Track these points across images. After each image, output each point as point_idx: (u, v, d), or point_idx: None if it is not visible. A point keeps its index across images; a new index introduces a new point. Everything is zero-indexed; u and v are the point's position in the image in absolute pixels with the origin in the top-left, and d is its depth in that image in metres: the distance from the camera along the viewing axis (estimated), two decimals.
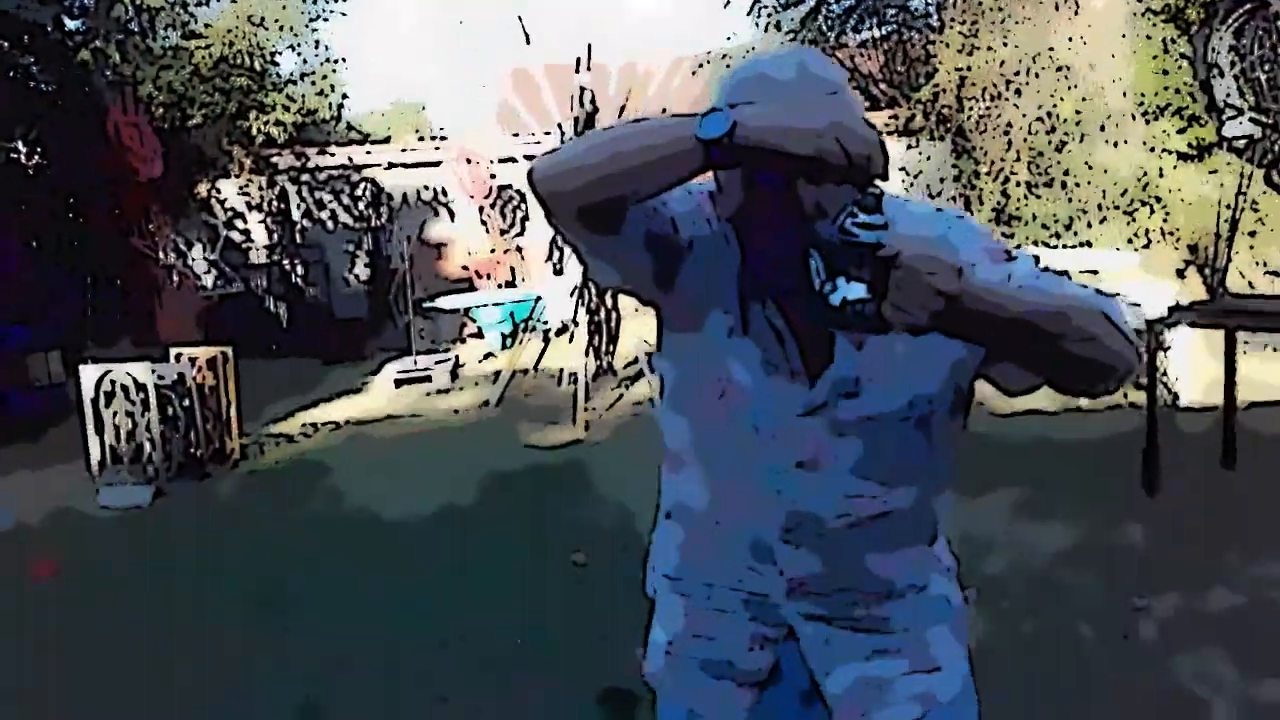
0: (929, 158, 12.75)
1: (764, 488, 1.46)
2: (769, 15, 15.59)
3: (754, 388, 1.43)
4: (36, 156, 9.39)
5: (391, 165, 14.06)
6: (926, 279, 1.10)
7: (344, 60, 17.99)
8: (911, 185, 12.63)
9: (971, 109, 12.08)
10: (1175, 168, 11.55)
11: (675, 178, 1.28)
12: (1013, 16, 11.72)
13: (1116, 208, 11.51)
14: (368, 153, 14.50)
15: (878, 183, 1.19)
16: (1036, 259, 1.42)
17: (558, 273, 9.92)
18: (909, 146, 12.81)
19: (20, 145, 9.26)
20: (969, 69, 11.94)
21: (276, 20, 13.95)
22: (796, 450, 1.44)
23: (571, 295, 9.36)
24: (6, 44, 8.78)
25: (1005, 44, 11.69)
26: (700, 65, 15.75)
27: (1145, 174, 11.46)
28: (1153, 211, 11.52)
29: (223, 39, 13.37)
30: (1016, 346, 1.26)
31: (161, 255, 12.85)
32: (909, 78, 14.01)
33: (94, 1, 9.35)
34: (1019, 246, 8.52)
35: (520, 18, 9.90)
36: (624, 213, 1.33)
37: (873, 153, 1.18)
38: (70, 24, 9.39)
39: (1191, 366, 6.98)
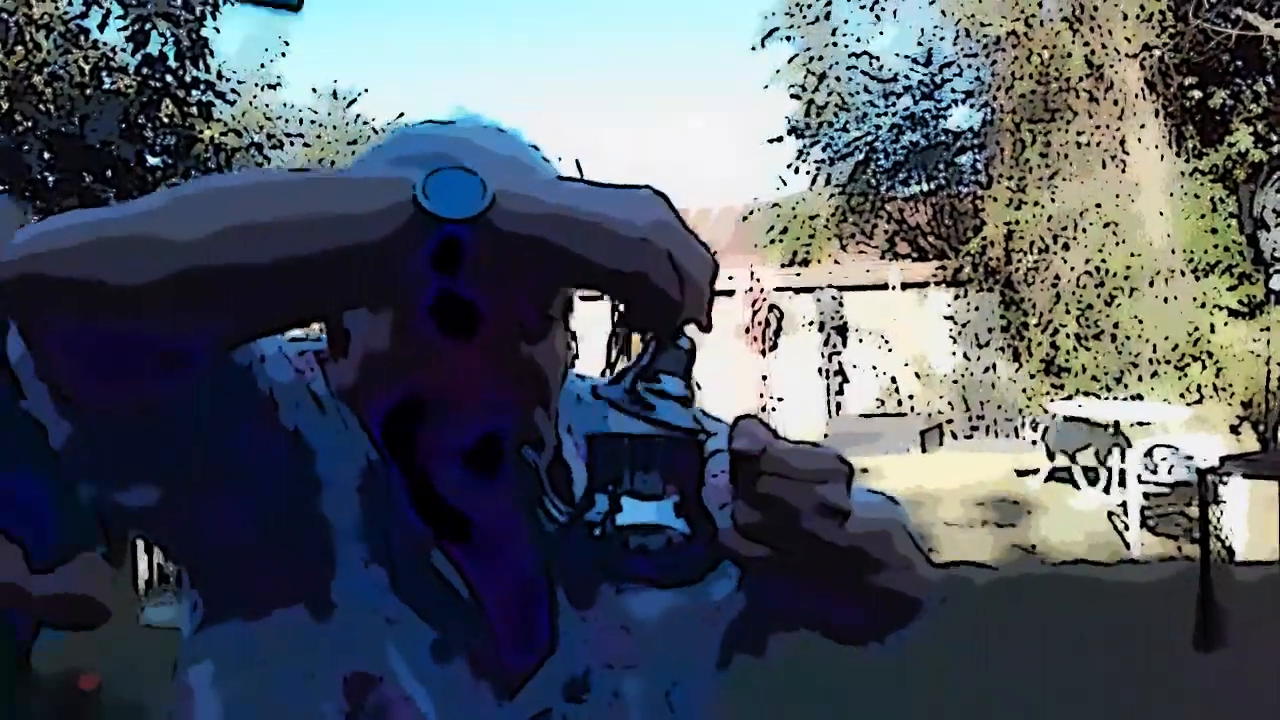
0: (977, 308, 12.86)
1: None
2: (818, 167, 16.02)
3: (420, 695, 0.82)
4: None
5: None
6: (813, 493, 0.69)
7: None
8: (959, 336, 12.71)
9: (1020, 261, 12.21)
10: (1226, 324, 11.53)
11: (322, 300, 0.73)
12: (1060, 173, 11.95)
13: (1168, 362, 11.46)
14: None
15: (688, 332, 0.70)
16: None
17: None
18: (956, 297, 12.95)
19: None
20: (1017, 222, 12.12)
21: (348, 161, 14.58)
22: None
23: None
24: (90, 177, 9.24)
25: (1053, 199, 11.89)
26: (750, 213, 16.15)
27: (1196, 329, 11.45)
28: (1204, 367, 11.46)
29: None
30: (840, 584, 0.78)
31: None
32: (957, 230, 14.23)
33: (175, 141, 9.84)
34: (1069, 398, 8.49)
35: (577, 161, 10.26)
36: (176, 370, 0.70)
37: (706, 282, 0.70)
38: (152, 160, 9.87)
39: (1247, 520, 6.84)
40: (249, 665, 0.82)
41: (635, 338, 0.72)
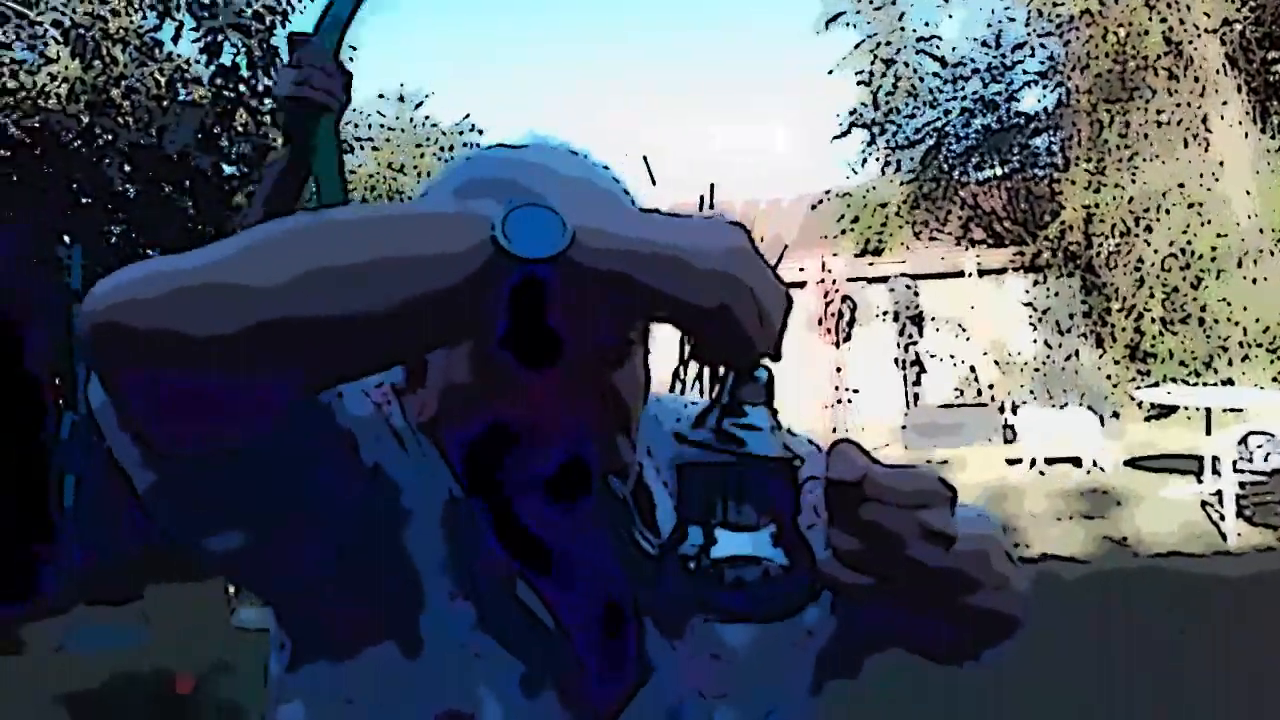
0: (1056, 294, 12.58)
1: None
2: (888, 154, 15.81)
3: None
4: None
5: None
6: (916, 519, 0.67)
7: None
8: (1039, 322, 12.45)
9: (1101, 245, 11.93)
10: None
11: (401, 344, 0.71)
12: (1140, 154, 11.64)
13: (1259, 345, 11.11)
14: None
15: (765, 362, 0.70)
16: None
17: None
18: (1035, 283, 12.68)
19: None
20: (1097, 205, 11.84)
21: (415, 167, 14.74)
22: None
23: None
24: (169, 187, 9.43)
25: (1134, 180, 11.59)
26: (819, 202, 15.99)
27: None
28: None
29: (365, 183, 14.17)
30: (937, 606, 0.76)
31: None
32: (1033, 214, 13.94)
33: (250, 149, 10.00)
34: (1156, 385, 8.35)
35: (645, 158, 10.21)
36: (256, 416, 0.70)
37: (781, 315, 0.69)
38: (227, 169, 10.05)
39: None
40: (340, 704, 0.82)
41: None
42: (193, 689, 5.25)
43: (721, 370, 0.70)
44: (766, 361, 0.70)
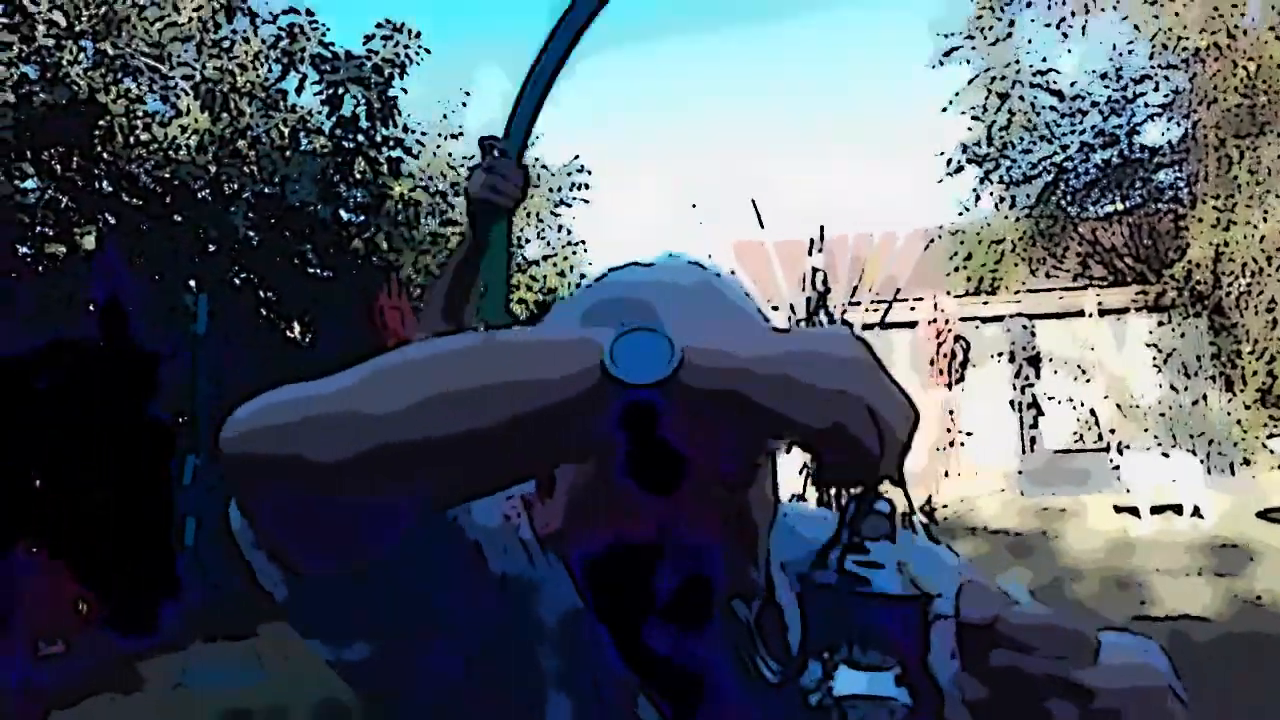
0: (1183, 335, 12.12)
1: None
2: (1003, 191, 15.47)
3: None
4: (309, 336, 10.28)
5: None
6: (1054, 671, 0.64)
7: (584, 243, 19.05)
8: (1164, 365, 11.99)
9: (1230, 285, 11.45)
10: None
11: (519, 465, 0.71)
12: (1273, 191, 11.17)
13: None
14: None
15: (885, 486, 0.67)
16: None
17: None
18: (1160, 323, 12.24)
19: (296, 326, 10.18)
20: (1226, 244, 11.40)
21: (524, 208, 14.99)
22: None
23: None
24: (289, 233, 9.75)
25: (1265, 218, 11.12)
26: (932, 240, 15.71)
27: None
28: None
29: None
30: None
31: None
32: (1157, 251, 13.47)
33: (370, 198, 10.29)
34: None
35: (754, 201, 10.18)
36: (391, 522, 0.72)
37: (905, 433, 0.66)
38: (345, 215, 10.35)
39: None
40: None
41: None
42: None
43: (844, 497, 0.68)
44: (892, 491, 0.67)
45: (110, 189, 9.03)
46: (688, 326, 0.67)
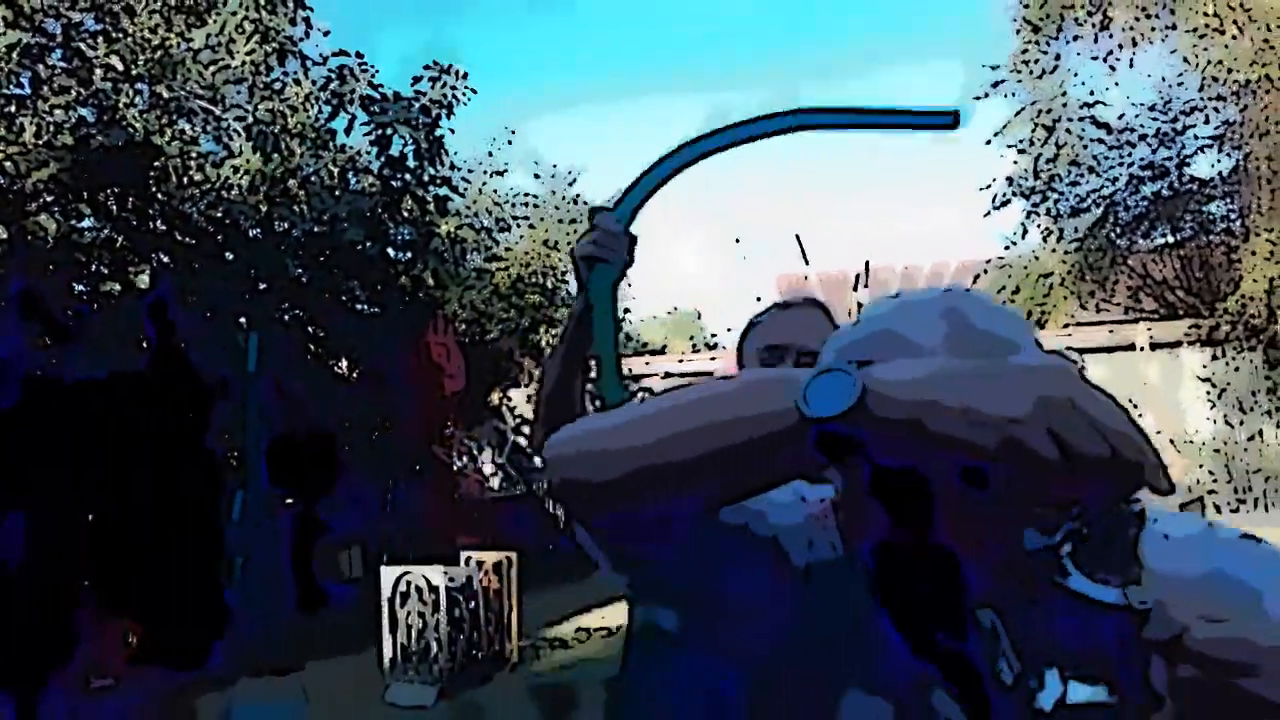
0: (1237, 369, 11.89)
1: None
2: (1051, 223, 15.31)
3: None
4: (356, 372, 10.38)
5: (668, 375, 14.56)
6: (1237, 688, 0.70)
7: (628, 281, 19.06)
8: (1219, 400, 11.76)
9: None
10: None
11: (751, 481, 0.87)
12: None
13: None
14: (646, 363, 15.13)
15: (1143, 499, 0.70)
16: None
17: None
18: (1214, 357, 12.02)
19: (344, 361, 10.28)
20: None
21: (569, 244, 15.04)
22: None
23: None
24: (337, 271, 9.86)
25: None
26: (979, 274, 15.57)
27: None
28: None
29: (520, 260, 14.54)
30: None
31: (455, 459, 13.71)
32: (1209, 284, 13.25)
33: (417, 236, 10.40)
34: None
35: (798, 236, 10.19)
36: (671, 524, 0.93)
37: (1125, 445, 0.68)
38: (393, 253, 10.46)
39: None
40: None
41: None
42: None
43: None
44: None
45: (164, 228, 9.20)
46: (911, 359, 0.80)
